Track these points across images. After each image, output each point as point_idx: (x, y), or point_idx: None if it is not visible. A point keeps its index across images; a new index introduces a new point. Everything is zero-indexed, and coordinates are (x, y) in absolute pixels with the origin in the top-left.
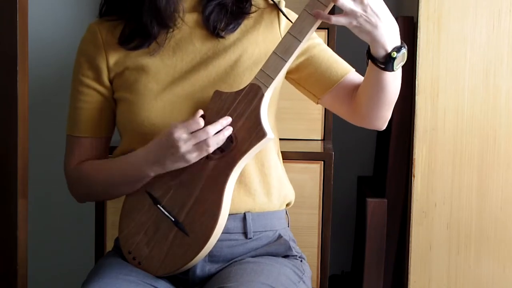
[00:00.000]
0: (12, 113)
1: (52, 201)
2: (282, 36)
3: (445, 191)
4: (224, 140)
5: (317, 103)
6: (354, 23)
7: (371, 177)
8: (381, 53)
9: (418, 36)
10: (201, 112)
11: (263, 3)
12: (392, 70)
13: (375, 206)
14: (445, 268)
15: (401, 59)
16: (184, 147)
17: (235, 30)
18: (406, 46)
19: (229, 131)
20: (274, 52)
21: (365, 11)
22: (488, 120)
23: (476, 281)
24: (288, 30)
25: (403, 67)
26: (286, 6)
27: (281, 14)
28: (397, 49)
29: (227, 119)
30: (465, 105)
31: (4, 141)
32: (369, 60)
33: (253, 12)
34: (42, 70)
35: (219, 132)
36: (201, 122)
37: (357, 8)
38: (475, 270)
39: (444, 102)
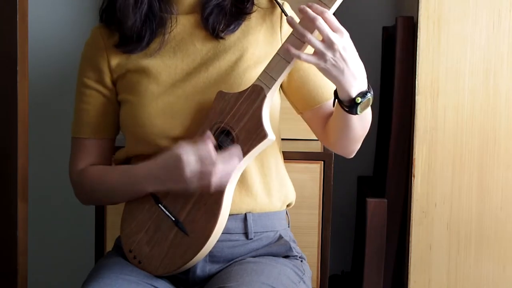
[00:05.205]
0: (12, 113)
1: (52, 201)
2: (282, 40)
3: (445, 191)
4: (227, 184)
5: (298, 114)
6: (322, 65)
7: (371, 177)
8: (346, 97)
9: (418, 36)
10: (209, 133)
11: (266, 2)
12: (356, 113)
13: (375, 206)
14: (445, 268)
15: (366, 104)
16: (189, 172)
17: (236, 30)
18: (372, 92)
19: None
20: (277, 54)
21: (334, 55)
22: (488, 120)
23: (476, 281)
24: (292, 32)
25: (403, 67)
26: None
27: (283, 16)
28: (362, 95)
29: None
30: (465, 105)
31: (4, 141)
32: (336, 100)
33: (254, 12)
34: (42, 70)
35: (224, 178)
36: (210, 145)
37: (327, 51)
38: (475, 270)
39: (444, 102)
